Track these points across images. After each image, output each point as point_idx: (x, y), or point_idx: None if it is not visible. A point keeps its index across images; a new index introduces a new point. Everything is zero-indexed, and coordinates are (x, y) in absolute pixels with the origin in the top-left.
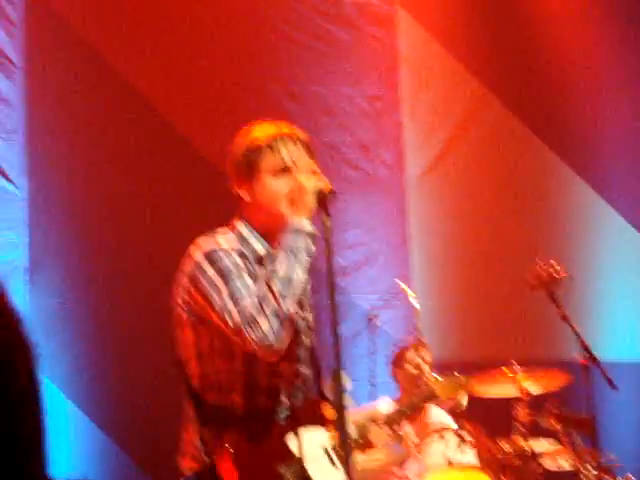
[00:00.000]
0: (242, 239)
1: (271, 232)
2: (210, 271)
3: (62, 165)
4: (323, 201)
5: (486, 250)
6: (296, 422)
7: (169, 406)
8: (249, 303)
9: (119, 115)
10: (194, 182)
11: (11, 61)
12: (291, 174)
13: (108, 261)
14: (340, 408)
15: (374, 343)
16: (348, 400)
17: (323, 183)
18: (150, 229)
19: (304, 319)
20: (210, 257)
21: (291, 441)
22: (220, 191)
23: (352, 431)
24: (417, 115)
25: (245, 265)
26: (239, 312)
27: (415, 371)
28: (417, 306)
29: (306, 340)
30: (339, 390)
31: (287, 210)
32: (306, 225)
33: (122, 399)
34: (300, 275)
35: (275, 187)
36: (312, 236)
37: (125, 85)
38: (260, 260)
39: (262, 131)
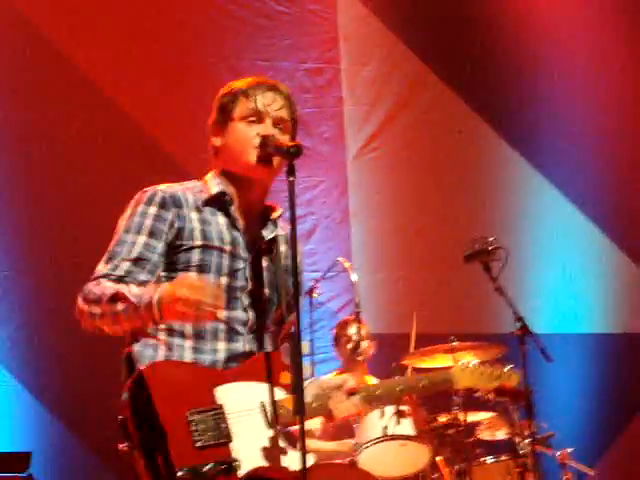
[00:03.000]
0: (203, 186)
1: (238, 180)
2: (128, 212)
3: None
4: (289, 158)
5: (425, 224)
6: (239, 371)
7: (116, 382)
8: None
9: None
10: (121, 143)
11: None
12: (263, 122)
13: (54, 234)
14: (297, 371)
15: (314, 317)
16: (305, 365)
17: (290, 140)
18: (101, 204)
19: (260, 269)
20: (137, 200)
21: (221, 388)
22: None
23: (308, 396)
24: (357, 91)
25: (159, 215)
26: (101, 270)
27: (350, 346)
28: (355, 279)
29: (254, 287)
30: (296, 353)
31: (253, 159)
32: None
33: (67, 376)
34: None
35: (245, 132)
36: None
37: (56, 52)
38: (212, 201)
39: (241, 81)
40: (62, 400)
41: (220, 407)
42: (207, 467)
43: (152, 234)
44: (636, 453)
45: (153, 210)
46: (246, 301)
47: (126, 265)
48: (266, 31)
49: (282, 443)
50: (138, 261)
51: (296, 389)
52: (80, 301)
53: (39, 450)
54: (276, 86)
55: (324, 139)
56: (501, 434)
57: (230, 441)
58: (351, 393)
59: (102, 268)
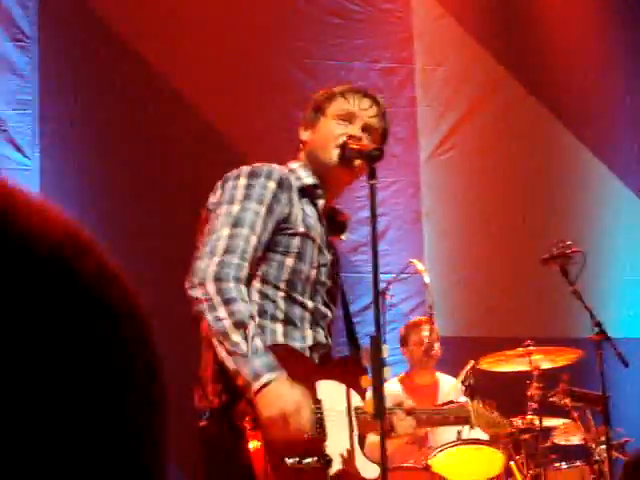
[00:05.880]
0: (290, 170)
1: (319, 176)
2: (243, 181)
3: (74, 136)
4: (370, 162)
5: (499, 226)
6: (330, 369)
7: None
8: (238, 242)
9: (132, 86)
10: (198, 146)
11: (25, 33)
12: (353, 124)
13: (120, 232)
14: (378, 374)
15: (385, 319)
16: (386, 368)
17: (371, 143)
18: (161, 200)
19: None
20: (253, 171)
21: (321, 383)
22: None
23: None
24: (431, 91)
25: (276, 193)
26: (228, 239)
27: (423, 348)
28: (429, 281)
29: (331, 285)
30: (377, 357)
31: (333, 157)
32: None
33: None
34: None
35: (332, 129)
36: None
37: (135, 55)
38: (304, 190)
39: (342, 86)
40: None
41: (320, 402)
42: (310, 459)
43: (270, 210)
44: None
45: (272, 186)
46: (325, 297)
47: (252, 248)
48: (339, 30)
49: (361, 450)
50: (259, 243)
51: (377, 392)
52: (211, 285)
53: None
54: (375, 96)
55: (397, 139)
56: (576, 439)
57: (326, 437)
58: (408, 413)
59: (230, 258)
